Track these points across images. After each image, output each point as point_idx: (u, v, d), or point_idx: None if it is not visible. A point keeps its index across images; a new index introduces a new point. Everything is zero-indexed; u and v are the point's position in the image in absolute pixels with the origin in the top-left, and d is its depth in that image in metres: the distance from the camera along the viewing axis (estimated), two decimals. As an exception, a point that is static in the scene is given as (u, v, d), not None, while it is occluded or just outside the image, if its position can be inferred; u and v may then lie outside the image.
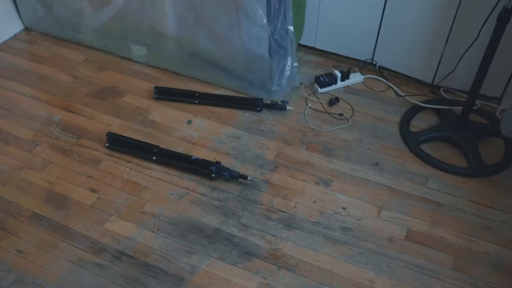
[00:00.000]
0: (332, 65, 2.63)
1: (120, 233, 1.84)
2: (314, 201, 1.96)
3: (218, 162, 2.02)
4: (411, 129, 2.27)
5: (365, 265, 1.75)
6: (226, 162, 2.11)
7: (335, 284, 1.69)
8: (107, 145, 2.17)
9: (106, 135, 2.17)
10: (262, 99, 2.36)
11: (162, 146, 2.18)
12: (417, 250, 1.80)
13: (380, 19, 2.41)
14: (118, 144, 2.18)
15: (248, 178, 1.99)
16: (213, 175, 2.01)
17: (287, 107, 2.35)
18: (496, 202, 1.96)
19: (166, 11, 2.36)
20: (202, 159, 2.07)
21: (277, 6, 2.17)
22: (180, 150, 2.17)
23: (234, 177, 2.00)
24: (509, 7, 1.85)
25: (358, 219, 1.90)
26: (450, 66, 2.34)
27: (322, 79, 2.48)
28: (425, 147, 2.18)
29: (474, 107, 2.22)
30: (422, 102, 2.39)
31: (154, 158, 2.11)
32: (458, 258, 1.77)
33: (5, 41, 2.79)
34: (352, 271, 1.73)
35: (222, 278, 1.71)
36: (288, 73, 2.38)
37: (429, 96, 2.45)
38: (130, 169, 2.09)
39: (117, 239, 1.82)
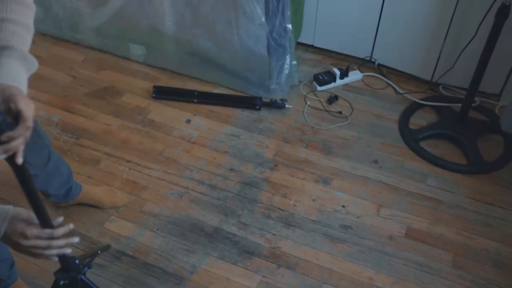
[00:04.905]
0: (331, 63, 2.63)
1: (120, 233, 1.84)
2: (313, 199, 1.96)
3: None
4: (410, 126, 2.27)
5: (365, 262, 1.75)
6: (225, 160, 2.12)
7: (335, 282, 1.70)
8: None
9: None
10: (261, 97, 2.36)
11: (162, 145, 2.19)
12: (416, 247, 1.80)
13: (378, 16, 2.41)
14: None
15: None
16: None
17: (286, 106, 2.35)
18: (495, 199, 1.96)
19: (165, 10, 2.36)
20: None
21: (275, 4, 2.17)
22: (179, 149, 2.18)
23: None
24: (507, 4, 1.85)
25: (357, 217, 1.90)
26: (449, 63, 2.34)
27: (321, 77, 2.48)
28: (424, 145, 2.18)
29: (473, 104, 2.22)
30: (421, 99, 2.39)
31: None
32: (458, 255, 1.77)
33: (4, 42, 2.79)
34: (352, 269, 1.73)
35: (222, 277, 1.71)
36: (287, 72, 2.38)
37: (428, 93, 2.45)
38: (130, 169, 2.09)
39: (117, 239, 1.82)
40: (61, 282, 1.25)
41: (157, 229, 1.86)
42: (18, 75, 0.99)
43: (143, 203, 1.95)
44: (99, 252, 1.64)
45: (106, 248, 1.76)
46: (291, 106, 2.37)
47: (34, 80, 2.75)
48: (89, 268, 1.31)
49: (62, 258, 1.21)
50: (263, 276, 1.71)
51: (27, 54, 1.02)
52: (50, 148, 1.67)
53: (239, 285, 1.69)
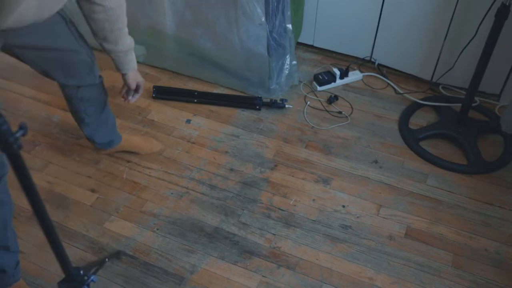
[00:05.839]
0: (330, 63, 2.63)
1: (120, 233, 1.84)
2: (313, 199, 1.96)
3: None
4: (410, 126, 2.27)
5: (365, 262, 1.75)
6: (225, 160, 2.12)
7: (335, 282, 1.70)
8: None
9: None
10: (261, 97, 2.36)
11: (162, 145, 2.19)
12: (416, 247, 1.80)
13: (378, 16, 2.41)
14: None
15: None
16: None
17: (286, 105, 2.35)
18: (495, 199, 1.96)
19: (165, 10, 2.36)
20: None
21: (275, 5, 2.17)
22: (179, 149, 2.18)
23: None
24: (507, 4, 1.85)
25: (357, 217, 1.90)
26: (449, 63, 2.34)
27: (321, 77, 2.48)
28: (424, 145, 2.18)
29: (473, 104, 2.22)
30: (421, 99, 2.39)
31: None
32: (458, 255, 1.77)
33: (4, 42, 2.79)
34: (352, 268, 1.73)
35: (222, 277, 1.71)
36: (287, 72, 2.38)
37: (428, 93, 2.45)
38: (130, 169, 2.09)
39: (117, 238, 1.82)
40: None
41: (157, 229, 1.86)
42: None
43: (143, 203, 1.95)
44: (106, 260, 1.64)
45: (115, 255, 1.75)
46: (291, 106, 2.37)
47: (34, 80, 2.75)
48: (93, 280, 1.30)
49: (65, 268, 1.21)
50: (263, 276, 1.71)
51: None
52: (107, 103, 1.93)
53: (239, 285, 1.69)
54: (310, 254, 1.78)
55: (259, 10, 2.13)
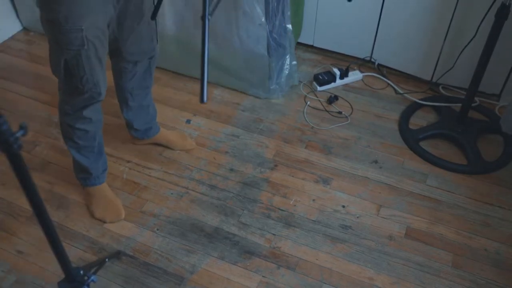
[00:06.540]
0: (331, 63, 2.63)
1: (120, 233, 1.84)
2: (313, 200, 1.96)
3: None
4: (410, 126, 2.27)
5: (365, 263, 1.75)
6: (225, 160, 2.12)
7: (335, 282, 1.70)
8: None
9: None
10: None
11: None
12: (416, 247, 1.80)
13: (378, 16, 2.41)
14: None
15: None
16: None
17: None
18: (495, 199, 1.96)
19: (165, 11, 2.36)
20: None
21: (275, 5, 2.17)
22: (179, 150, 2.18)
23: None
24: (507, 4, 1.85)
25: (357, 217, 1.90)
26: (449, 63, 2.34)
27: (321, 77, 2.48)
28: (424, 145, 2.18)
29: (473, 104, 2.22)
30: (421, 99, 2.39)
31: None
32: (458, 255, 1.78)
33: (4, 42, 2.79)
34: (352, 269, 1.74)
35: (222, 277, 1.71)
36: (287, 72, 2.38)
37: (428, 93, 2.45)
38: (130, 169, 2.09)
39: (117, 239, 1.82)
40: None
41: (157, 229, 1.86)
42: None
43: (143, 203, 1.95)
44: (106, 260, 1.65)
45: (115, 255, 1.75)
46: None
47: (35, 80, 2.74)
48: (93, 280, 1.30)
49: (65, 268, 1.22)
50: (263, 276, 1.71)
51: None
52: (150, 91, 1.99)
53: (239, 285, 1.69)
54: (310, 254, 1.78)
55: (259, 10, 2.13)
